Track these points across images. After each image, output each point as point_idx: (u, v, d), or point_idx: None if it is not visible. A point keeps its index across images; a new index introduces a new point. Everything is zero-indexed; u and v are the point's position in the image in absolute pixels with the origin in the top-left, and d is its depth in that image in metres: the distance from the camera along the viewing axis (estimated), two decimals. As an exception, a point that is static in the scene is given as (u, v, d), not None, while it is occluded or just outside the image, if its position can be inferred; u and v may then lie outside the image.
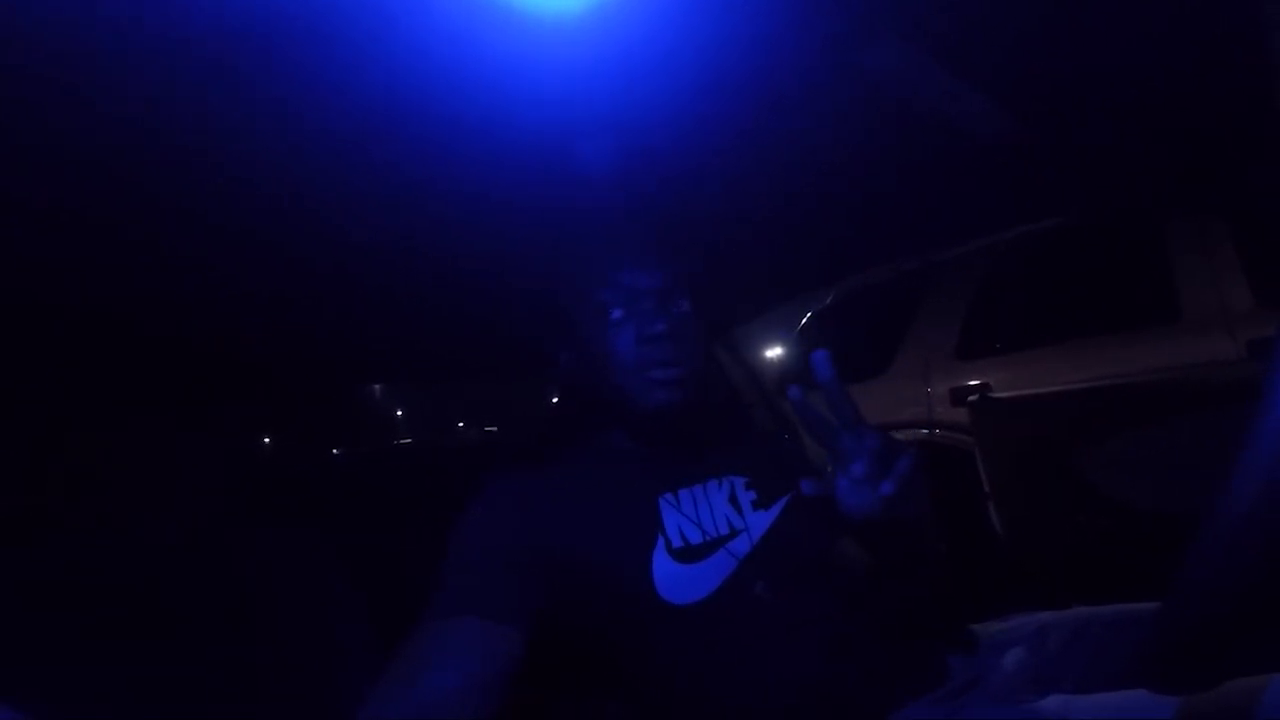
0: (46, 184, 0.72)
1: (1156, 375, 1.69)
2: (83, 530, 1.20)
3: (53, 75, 0.58)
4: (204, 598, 0.99)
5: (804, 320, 3.22)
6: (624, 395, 0.76)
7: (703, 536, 0.73)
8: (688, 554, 0.72)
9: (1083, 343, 2.03)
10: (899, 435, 2.39)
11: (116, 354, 1.22)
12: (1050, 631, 0.79)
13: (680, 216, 1.03)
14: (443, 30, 0.60)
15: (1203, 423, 1.33)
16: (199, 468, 1.53)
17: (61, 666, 0.88)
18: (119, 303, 1.03)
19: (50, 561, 1.03)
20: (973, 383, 2.19)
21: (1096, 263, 2.11)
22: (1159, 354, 1.82)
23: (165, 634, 0.93)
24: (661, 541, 0.72)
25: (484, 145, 0.77)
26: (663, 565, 0.70)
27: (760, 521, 0.77)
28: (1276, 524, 0.39)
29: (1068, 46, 0.74)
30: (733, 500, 0.78)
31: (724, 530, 0.75)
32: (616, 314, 0.76)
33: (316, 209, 0.86)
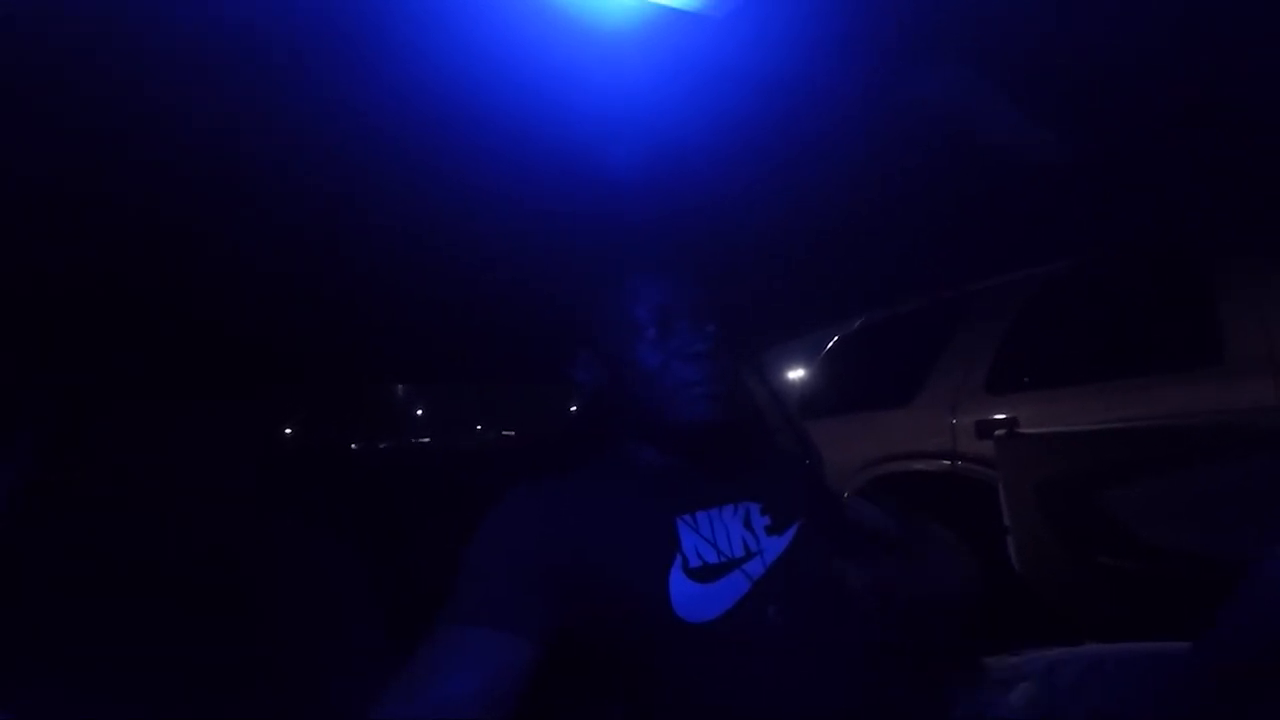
0: (92, 176, 0.73)
1: (1194, 418, 1.65)
2: (107, 508, 1.22)
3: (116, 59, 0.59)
4: (216, 584, 0.99)
5: (829, 346, 3.19)
6: (661, 410, 0.77)
7: (719, 557, 0.74)
8: (704, 574, 0.72)
9: (1118, 383, 1.97)
10: (921, 465, 2.38)
11: (151, 340, 1.24)
12: (1061, 668, 0.78)
13: (712, 239, 1.03)
14: (490, 32, 0.60)
15: (1243, 468, 1.30)
16: (224, 451, 1.55)
17: (74, 640, 0.89)
18: (156, 292, 1.05)
19: (73, 537, 1.05)
20: (1000, 417, 2.14)
21: (1137, 302, 2.05)
22: (1198, 397, 1.76)
23: (175, 618, 0.94)
24: (679, 560, 0.72)
25: (520, 153, 0.77)
26: (679, 584, 0.71)
27: (774, 546, 0.78)
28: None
29: (1131, 77, 0.72)
30: (747, 524, 0.79)
31: (739, 552, 0.76)
32: (651, 332, 0.77)
33: (353, 208, 0.87)
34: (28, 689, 0.76)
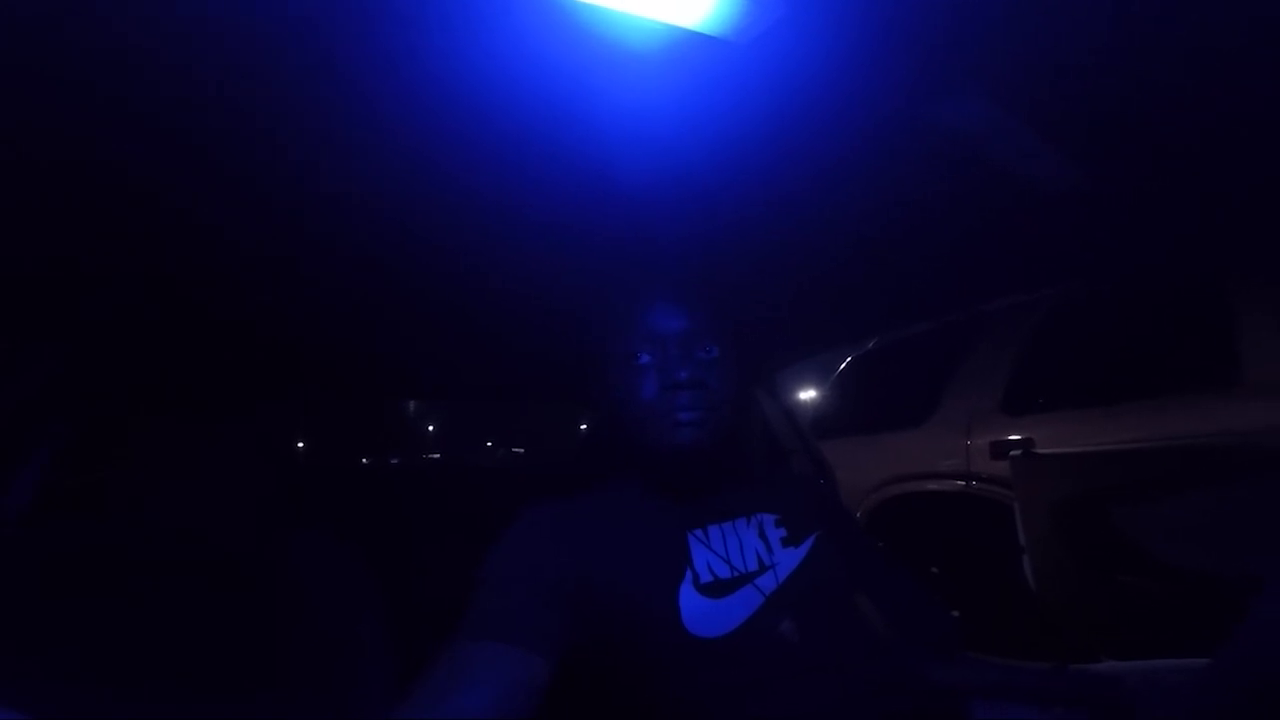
0: (113, 182, 0.75)
1: (1209, 438, 1.63)
2: (123, 515, 1.24)
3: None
4: (226, 595, 1.00)
5: (843, 366, 3.18)
6: (646, 437, 0.76)
7: (731, 572, 0.74)
8: (715, 589, 0.72)
9: (1134, 404, 1.95)
10: (934, 486, 2.36)
11: (168, 352, 1.26)
12: (1095, 685, 0.77)
13: (717, 259, 1.03)
14: (515, 48, 0.60)
15: (1256, 487, 1.30)
16: (237, 463, 1.56)
17: (84, 646, 0.90)
18: (173, 304, 1.07)
19: (88, 543, 1.06)
20: (1015, 437, 2.13)
21: (1154, 324, 2.04)
22: (1215, 418, 1.73)
23: (185, 629, 0.94)
24: (689, 576, 0.72)
25: (538, 171, 0.78)
26: (689, 600, 0.70)
27: (789, 559, 0.77)
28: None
29: (1146, 106, 0.73)
30: (762, 536, 0.78)
31: (753, 566, 0.75)
32: (644, 359, 0.76)
33: (371, 222, 0.88)
34: (38, 692, 0.77)
